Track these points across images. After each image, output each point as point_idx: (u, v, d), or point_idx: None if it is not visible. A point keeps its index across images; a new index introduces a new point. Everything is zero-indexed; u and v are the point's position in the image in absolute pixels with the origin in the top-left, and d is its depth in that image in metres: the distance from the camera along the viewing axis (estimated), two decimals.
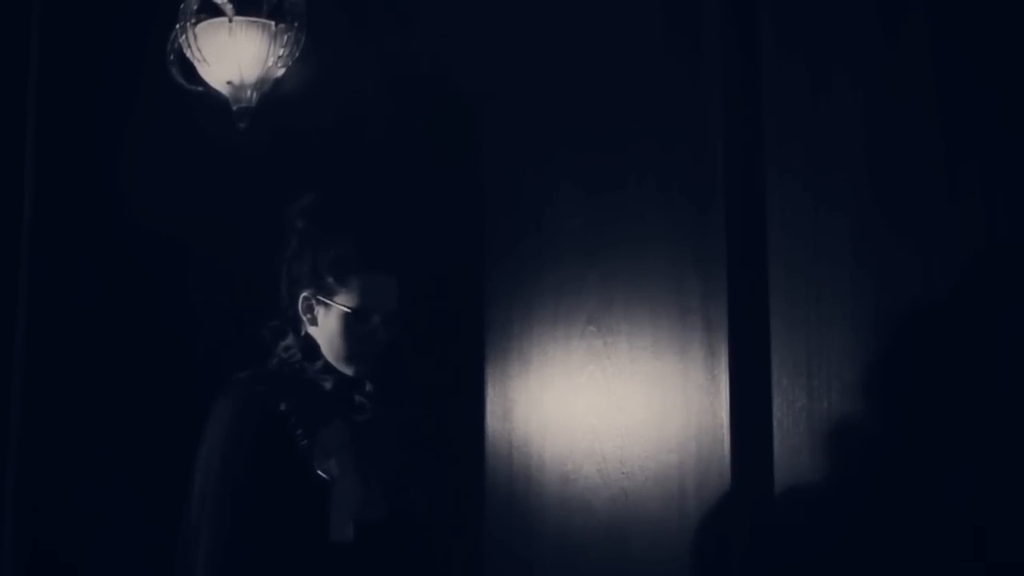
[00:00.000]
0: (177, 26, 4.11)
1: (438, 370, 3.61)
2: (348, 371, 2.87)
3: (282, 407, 2.75)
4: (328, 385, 2.84)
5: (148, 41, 4.23)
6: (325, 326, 2.86)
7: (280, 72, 4.17)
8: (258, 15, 4.14)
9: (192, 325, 4.14)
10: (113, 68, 4.29)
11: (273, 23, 4.14)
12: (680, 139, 3.39)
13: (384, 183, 4.00)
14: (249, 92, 4.16)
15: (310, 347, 2.87)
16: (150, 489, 3.98)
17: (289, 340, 2.91)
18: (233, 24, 4.11)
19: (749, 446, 3.23)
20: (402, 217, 3.71)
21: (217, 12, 4.11)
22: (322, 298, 2.85)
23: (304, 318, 2.90)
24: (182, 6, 4.11)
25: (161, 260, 4.19)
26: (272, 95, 4.18)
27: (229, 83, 4.15)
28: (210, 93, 4.17)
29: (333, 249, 2.90)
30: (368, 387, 2.90)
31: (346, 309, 2.82)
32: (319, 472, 2.71)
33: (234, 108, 4.15)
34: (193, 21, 4.11)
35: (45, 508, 4.02)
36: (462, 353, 3.55)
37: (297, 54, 4.16)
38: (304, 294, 2.89)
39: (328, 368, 2.86)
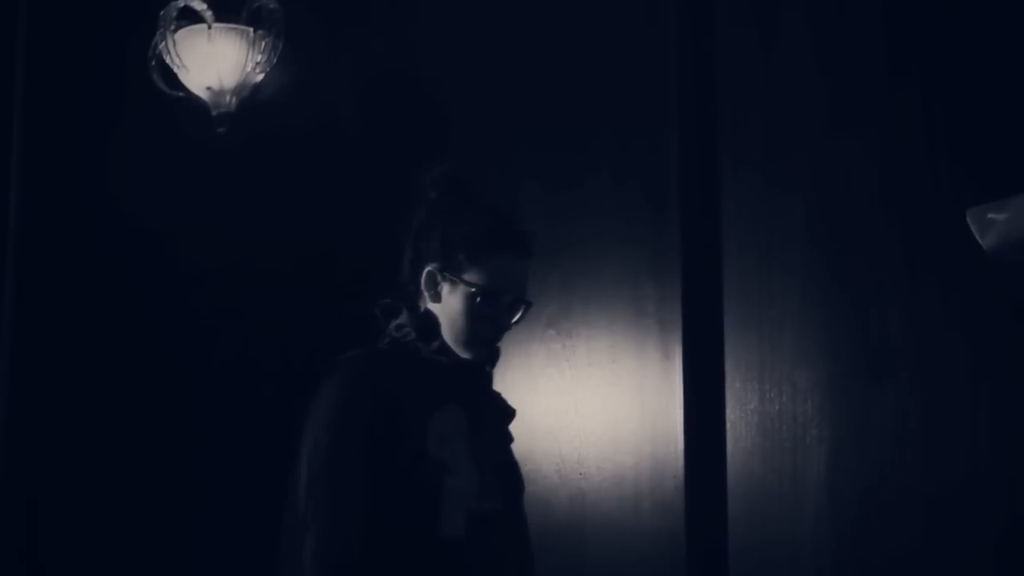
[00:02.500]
0: (157, 33, 4.17)
1: None
2: (466, 354, 2.62)
3: (394, 390, 2.54)
4: (444, 367, 2.62)
5: (132, 47, 4.27)
6: (448, 304, 2.62)
7: (259, 78, 4.23)
8: (237, 22, 4.19)
9: (176, 320, 4.19)
10: (99, 73, 4.34)
11: (251, 30, 4.19)
12: (636, 136, 3.45)
13: (356, 185, 4.07)
14: (228, 97, 4.21)
15: (427, 326, 2.64)
16: (143, 487, 4.04)
17: (403, 318, 2.65)
18: (212, 31, 4.16)
19: (703, 448, 3.28)
20: (371, 218, 3.77)
21: (197, 19, 4.17)
22: (449, 274, 2.61)
23: (426, 293, 2.65)
24: (162, 13, 4.16)
25: (146, 258, 4.22)
26: (251, 100, 4.23)
27: (209, 89, 4.20)
28: (191, 98, 4.23)
29: (467, 223, 2.63)
30: (486, 371, 2.69)
31: (474, 288, 2.58)
32: (433, 460, 2.50)
33: (213, 113, 4.20)
34: (173, 28, 4.16)
35: (36, 507, 4.06)
36: None
37: (275, 60, 4.21)
38: (429, 268, 2.63)
39: (444, 349, 2.62)
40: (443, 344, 2.63)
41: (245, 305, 4.23)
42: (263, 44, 4.20)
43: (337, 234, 4.13)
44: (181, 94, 4.25)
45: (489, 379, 2.69)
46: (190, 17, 4.18)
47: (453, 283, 2.60)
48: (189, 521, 4.06)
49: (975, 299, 2.96)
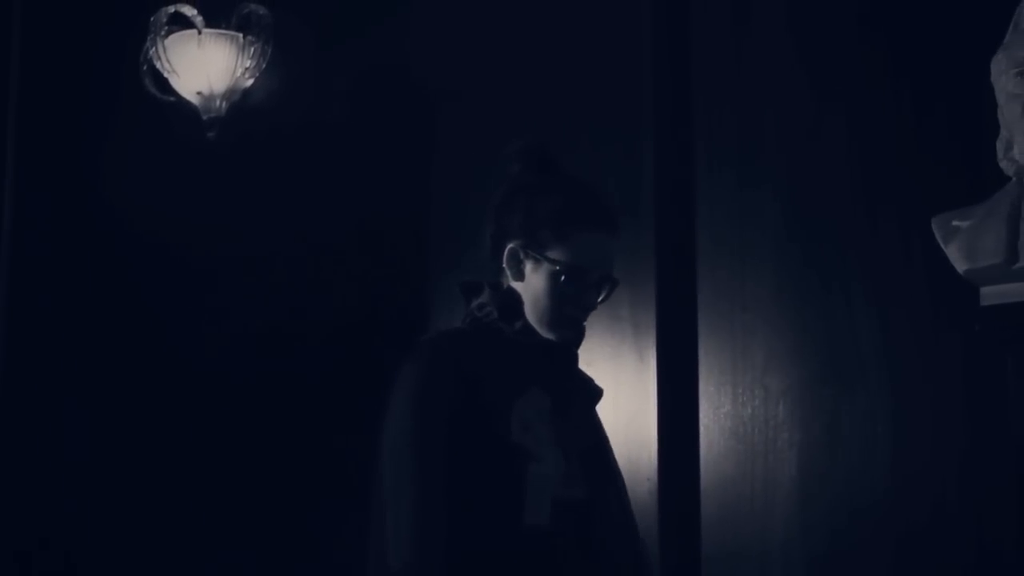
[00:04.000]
0: (148, 38, 4.21)
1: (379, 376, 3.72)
2: (550, 335, 2.48)
3: (477, 371, 2.40)
4: (527, 349, 2.48)
5: (127, 52, 4.32)
6: (531, 283, 2.49)
7: (248, 83, 4.27)
8: (227, 28, 4.24)
9: (169, 316, 4.22)
10: (95, 76, 4.38)
11: (241, 35, 4.23)
12: (611, 138, 3.50)
13: (344, 185, 4.11)
14: (218, 102, 4.25)
15: (510, 305, 2.50)
16: (141, 486, 4.08)
17: (484, 297, 2.52)
18: (202, 36, 4.21)
19: (676, 451, 3.33)
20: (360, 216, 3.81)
21: (187, 24, 4.21)
22: (532, 251, 2.47)
23: (508, 272, 2.52)
24: (152, 19, 4.20)
25: (140, 256, 4.26)
26: (241, 104, 4.27)
27: (199, 93, 4.24)
28: (182, 103, 4.28)
29: (551, 198, 2.49)
30: (571, 353, 2.53)
31: (559, 266, 2.45)
32: (516, 446, 2.37)
33: (204, 118, 4.25)
34: (163, 34, 4.20)
35: (28, 506, 4.10)
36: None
37: (264, 65, 4.26)
38: (511, 245, 2.49)
39: (528, 330, 2.48)
40: (526, 324, 2.50)
41: (237, 300, 4.27)
42: (252, 49, 4.24)
43: (327, 232, 4.17)
44: (172, 99, 4.29)
45: (575, 361, 2.55)
46: (181, 23, 4.23)
47: (537, 261, 2.48)
48: (186, 521, 4.09)
49: (942, 306, 3.01)
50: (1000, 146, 2.86)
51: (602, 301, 2.51)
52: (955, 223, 2.86)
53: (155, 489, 4.12)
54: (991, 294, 2.80)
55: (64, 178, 4.29)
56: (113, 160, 4.27)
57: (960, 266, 2.83)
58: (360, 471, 3.82)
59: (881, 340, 3.09)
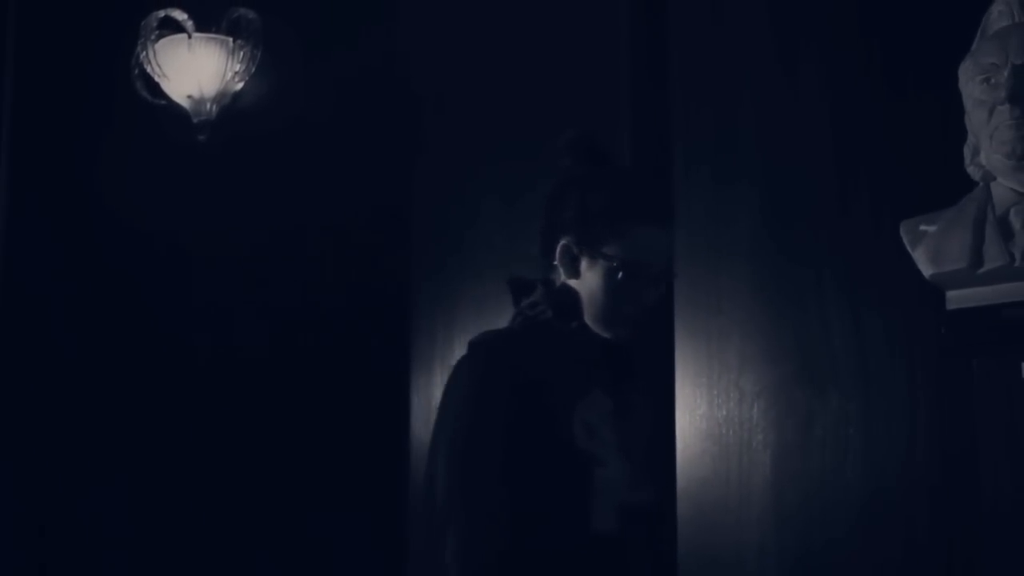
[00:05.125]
0: (138, 43, 4.25)
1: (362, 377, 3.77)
2: (607, 334, 2.37)
3: (534, 373, 2.29)
4: (585, 349, 2.37)
5: (121, 55, 4.35)
6: (586, 280, 2.38)
7: (239, 86, 4.31)
8: (217, 32, 4.27)
9: (163, 313, 4.26)
10: (90, 80, 4.43)
11: (231, 39, 4.27)
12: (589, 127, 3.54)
13: (329, 184, 4.15)
14: (209, 105, 4.29)
15: (566, 304, 2.38)
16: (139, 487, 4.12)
17: (537, 296, 2.41)
18: (192, 40, 4.25)
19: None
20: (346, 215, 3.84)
21: (177, 28, 4.25)
22: (587, 247, 2.36)
23: (562, 269, 2.41)
24: (143, 23, 4.24)
25: (132, 254, 4.30)
26: (232, 107, 4.31)
27: (189, 97, 4.28)
28: (173, 106, 4.31)
29: (604, 192, 2.39)
30: (630, 354, 2.43)
31: (615, 262, 2.33)
32: (581, 452, 2.27)
33: (194, 121, 4.29)
34: (153, 38, 4.24)
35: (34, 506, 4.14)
36: (389, 362, 3.69)
37: (253, 69, 4.30)
38: (565, 241, 2.39)
39: (584, 329, 2.37)
40: (583, 324, 2.39)
41: (229, 296, 4.30)
42: (242, 53, 4.29)
43: (311, 233, 4.20)
44: (163, 102, 4.33)
45: (633, 361, 2.44)
46: (171, 27, 4.27)
47: (591, 257, 2.37)
48: (182, 521, 4.12)
49: (913, 309, 3.04)
50: (967, 151, 2.89)
51: (659, 298, 2.41)
52: (923, 227, 2.89)
53: (146, 488, 4.16)
54: (956, 298, 2.83)
55: (58, 181, 4.34)
56: (107, 162, 4.31)
57: (926, 270, 2.86)
58: (338, 474, 3.91)
59: (855, 343, 3.12)
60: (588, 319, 2.38)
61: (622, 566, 2.27)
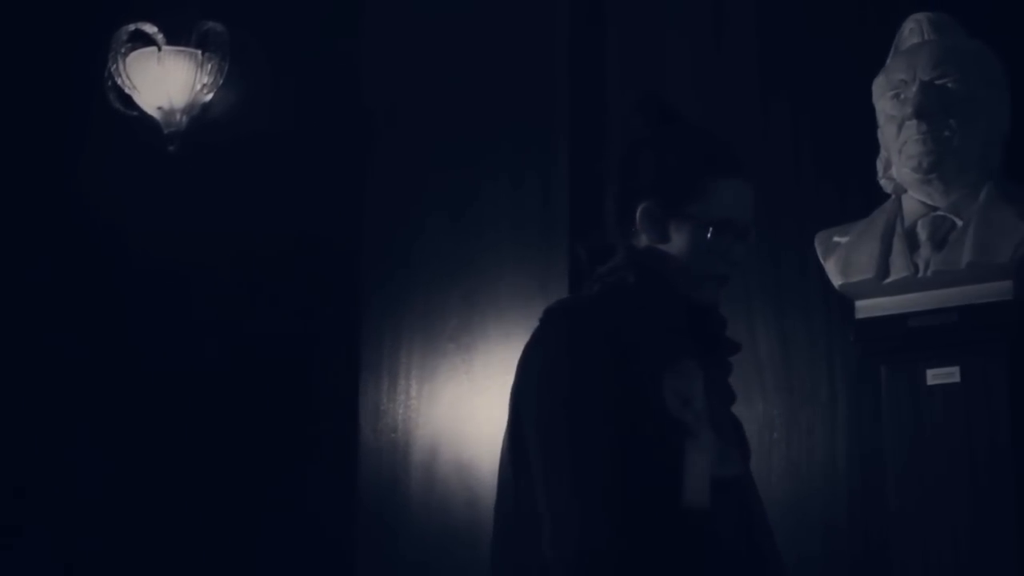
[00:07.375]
0: (109, 55, 4.36)
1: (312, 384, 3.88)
2: (696, 295, 2.25)
3: (624, 339, 2.14)
4: (671, 314, 2.23)
5: (95, 69, 4.46)
6: (674, 242, 2.25)
7: (208, 98, 4.41)
8: (186, 45, 4.38)
9: (144, 311, 4.35)
10: (75, 90, 4.55)
11: (200, 52, 4.38)
12: (529, 140, 3.64)
13: (290, 189, 4.24)
14: (179, 116, 4.40)
15: (651, 267, 2.24)
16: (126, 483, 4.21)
17: (617, 260, 2.26)
18: (162, 53, 4.36)
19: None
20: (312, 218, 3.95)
21: (148, 42, 4.36)
22: (671, 208, 2.24)
23: (646, 234, 2.27)
24: (113, 36, 4.35)
25: (119, 256, 4.40)
26: (202, 118, 4.41)
27: (160, 108, 4.39)
28: (145, 118, 4.42)
29: (681, 149, 2.28)
30: (719, 317, 2.29)
31: (699, 220, 2.22)
32: (675, 423, 2.12)
33: (165, 132, 4.39)
34: (124, 51, 4.35)
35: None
36: (339, 369, 3.81)
37: (221, 81, 4.40)
38: (644, 204, 2.25)
39: (671, 294, 2.24)
40: (669, 287, 2.25)
41: (203, 295, 4.38)
42: (211, 66, 4.39)
43: (262, 242, 4.26)
44: (135, 113, 4.44)
45: (723, 326, 2.30)
46: (142, 40, 4.37)
47: (674, 217, 2.24)
48: (176, 522, 4.19)
49: (835, 318, 3.13)
50: (880, 165, 2.98)
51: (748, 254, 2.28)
52: (836, 239, 2.98)
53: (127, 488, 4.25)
54: (865, 307, 2.92)
55: (37, 190, 4.47)
56: (84, 172, 4.42)
57: (836, 280, 2.95)
58: (289, 476, 3.99)
59: (779, 351, 3.21)
60: (676, 282, 2.26)
61: (717, 542, 2.13)
